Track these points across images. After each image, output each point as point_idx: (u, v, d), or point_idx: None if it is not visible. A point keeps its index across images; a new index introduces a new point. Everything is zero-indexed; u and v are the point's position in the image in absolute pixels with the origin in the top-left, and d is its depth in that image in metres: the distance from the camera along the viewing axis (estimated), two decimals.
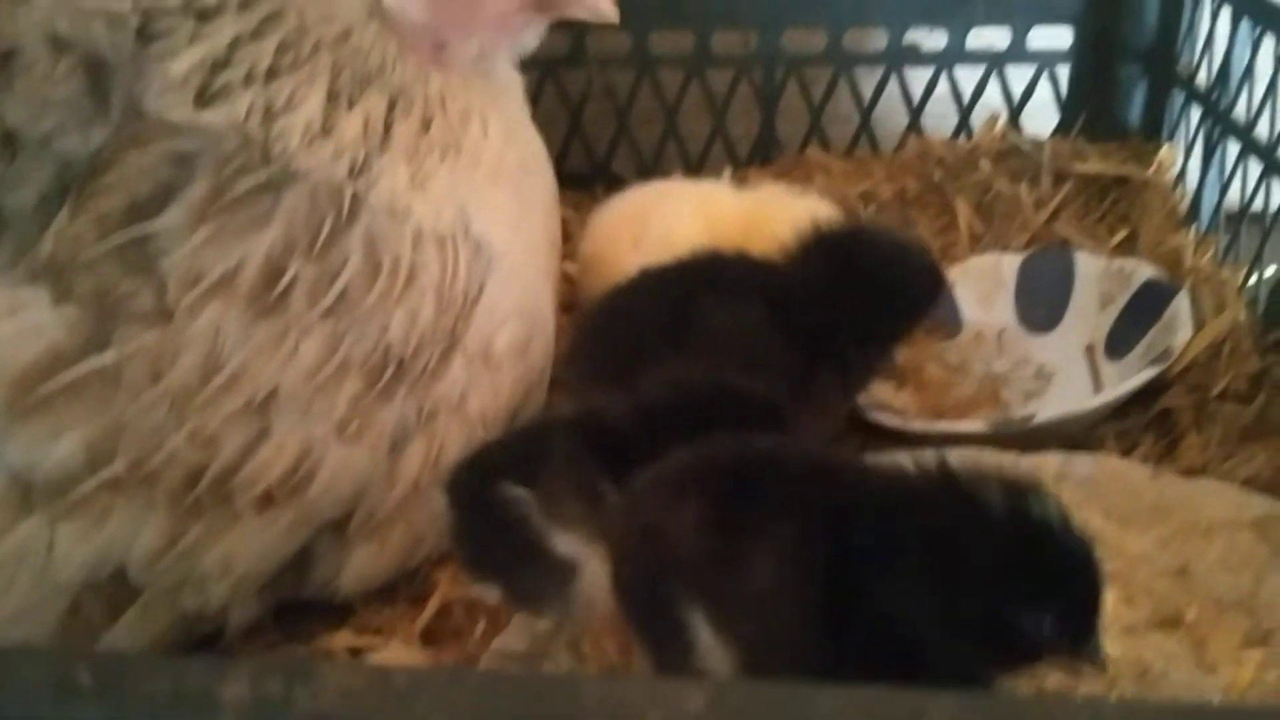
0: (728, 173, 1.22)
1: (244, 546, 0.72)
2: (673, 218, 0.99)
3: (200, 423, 0.69)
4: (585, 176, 1.24)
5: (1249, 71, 0.98)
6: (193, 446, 0.69)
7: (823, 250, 0.85)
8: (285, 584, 0.77)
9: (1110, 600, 0.69)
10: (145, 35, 0.74)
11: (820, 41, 1.21)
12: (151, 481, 0.68)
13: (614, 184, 1.23)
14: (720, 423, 0.70)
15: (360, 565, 0.79)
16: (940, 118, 1.23)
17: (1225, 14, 1.01)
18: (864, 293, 0.82)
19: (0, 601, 0.67)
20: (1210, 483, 0.76)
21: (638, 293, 0.87)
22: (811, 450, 0.67)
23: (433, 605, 0.80)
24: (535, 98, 1.04)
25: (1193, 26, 1.08)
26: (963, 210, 1.16)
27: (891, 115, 1.24)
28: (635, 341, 0.82)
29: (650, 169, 1.24)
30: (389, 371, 0.76)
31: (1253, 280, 0.96)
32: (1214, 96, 1.04)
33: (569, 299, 1.04)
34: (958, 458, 0.78)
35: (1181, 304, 0.92)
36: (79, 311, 0.67)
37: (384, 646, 0.78)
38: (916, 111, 1.23)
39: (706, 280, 0.86)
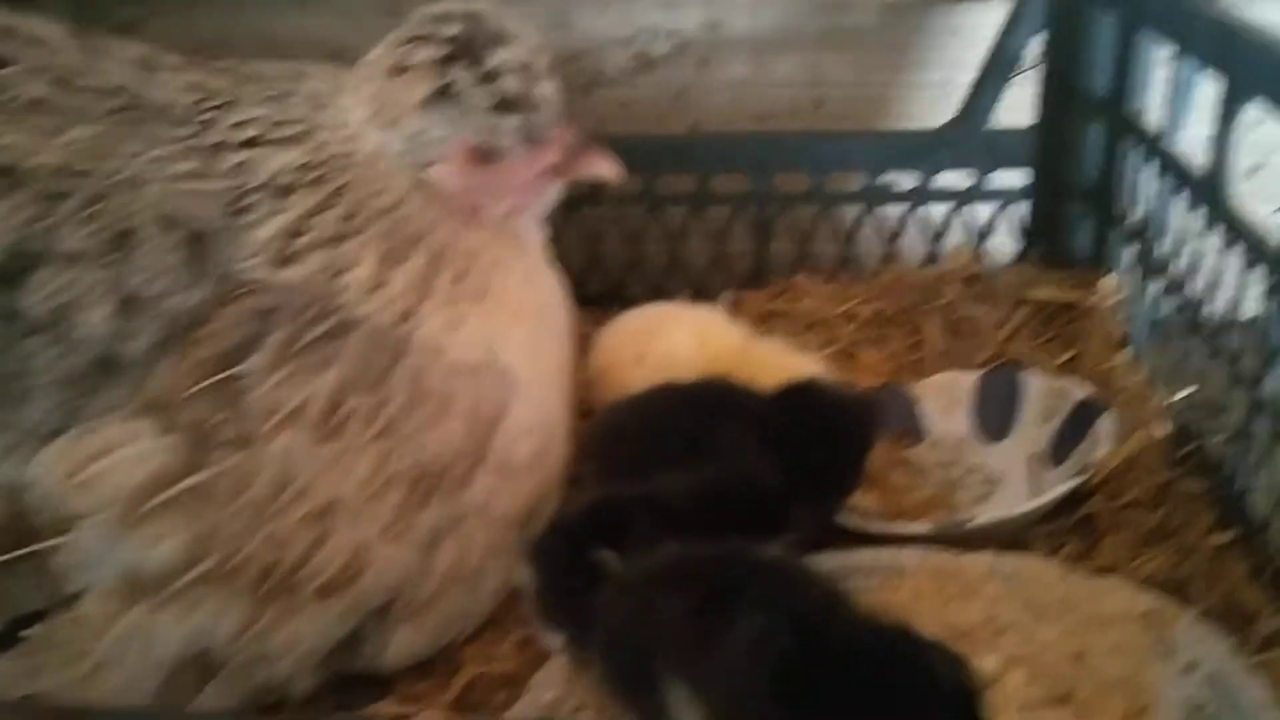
0: (728, 294, 1.36)
1: (306, 629, 0.86)
2: (672, 340, 1.14)
3: (274, 528, 0.83)
4: (603, 297, 1.36)
5: (1165, 220, 1.11)
6: (267, 548, 0.83)
7: (788, 407, 1.00)
8: (339, 659, 0.90)
9: (1016, 680, 0.83)
10: (236, 209, 0.89)
11: (806, 183, 1.34)
12: (233, 577, 0.82)
13: (628, 304, 1.35)
14: (745, 508, 0.86)
15: (401, 644, 0.92)
16: (913, 247, 1.36)
17: (1152, 169, 1.15)
18: (813, 452, 0.97)
19: (111, 674, 0.81)
20: (1110, 581, 0.88)
21: (659, 405, 1.03)
22: (775, 557, 0.81)
23: (462, 678, 0.94)
24: (560, 230, 1.15)
25: (1124, 176, 1.21)
26: (931, 330, 1.29)
27: (870, 245, 1.37)
28: (656, 446, 0.97)
29: (659, 291, 1.37)
30: (426, 483, 0.90)
31: (1169, 401, 1.08)
32: (1142, 236, 1.17)
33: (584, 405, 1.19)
34: (908, 554, 0.94)
35: (1106, 422, 1.05)
36: (179, 440, 0.82)
37: (421, 713, 0.92)
38: (891, 243, 1.36)
39: (719, 403, 1.02)
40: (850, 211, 1.35)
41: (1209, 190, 0.98)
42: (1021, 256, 1.33)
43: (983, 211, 1.34)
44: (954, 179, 1.33)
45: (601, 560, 0.79)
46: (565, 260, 1.27)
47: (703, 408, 1.01)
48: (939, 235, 1.35)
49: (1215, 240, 0.98)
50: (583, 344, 1.21)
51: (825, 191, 1.34)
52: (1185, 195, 1.05)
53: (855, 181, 1.34)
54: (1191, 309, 1.03)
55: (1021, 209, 1.33)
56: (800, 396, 1.00)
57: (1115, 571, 0.93)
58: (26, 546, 0.79)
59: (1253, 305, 0.92)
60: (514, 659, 0.95)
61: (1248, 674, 0.77)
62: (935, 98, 1.46)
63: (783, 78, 1.48)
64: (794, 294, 1.36)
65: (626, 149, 1.31)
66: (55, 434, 0.80)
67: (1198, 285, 1.02)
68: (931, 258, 1.36)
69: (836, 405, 1.00)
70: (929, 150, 1.32)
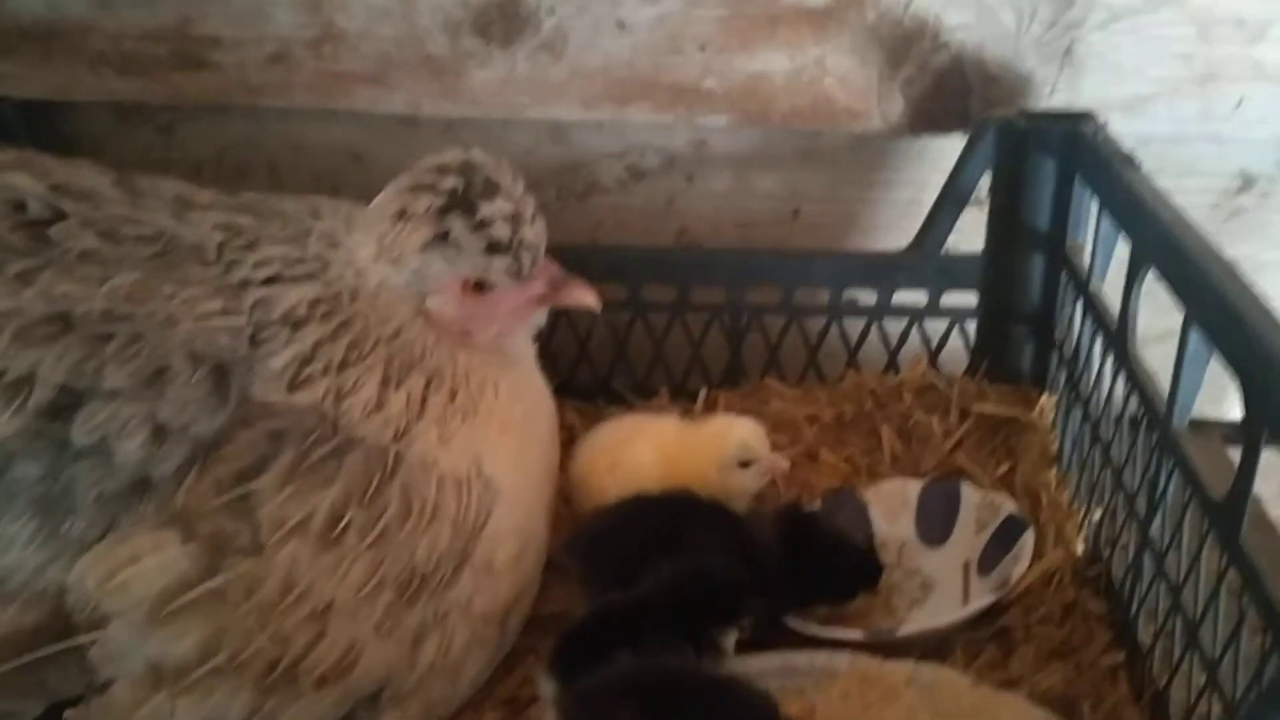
0: (702, 394, 1.47)
1: (305, 715, 0.97)
2: (637, 452, 1.26)
3: (278, 627, 0.95)
4: (589, 390, 1.48)
5: (1088, 355, 1.22)
6: (273, 644, 0.95)
7: (783, 529, 1.14)
8: None
9: None
10: (255, 341, 1.01)
11: (776, 296, 1.45)
12: (243, 669, 0.93)
13: (613, 397, 1.50)
14: (708, 597, 0.99)
15: None
16: (873, 357, 1.47)
17: (1080, 305, 1.26)
18: (808, 575, 1.11)
19: None
20: (1011, 696, 0.98)
21: (634, 512, 1.15)
22: (712, 672, 0.93)
23: None
24: (552, 327, 1.26)
25: (1061, 306, 1.33)
26: (887, 435, 1.40)
27: (834, 354, 1.47)
28: (633, 548, 1.09)
29: (642, 387, 1.50)
30: (414, 585, 1.01)
31: (1085, 521, 1.19)
32: (1071, 364, 1.28)
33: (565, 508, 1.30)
34: (841, 658, 1.05)
35: (1028, 539, 1.15)
36: (199, 548, 0.93)
37: None
38: (853, 353, 1.46)
39: (686, 507, 1.15)
40: (816, 323, 1.47)
41: (1119, 340, 1.09)
42: (970, 371, 1.44)
43: (936, 328, 1.45)
44: (911, 297, 1.44)
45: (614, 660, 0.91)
46: (556, 355, 1.40)
47: (671, 512, 1.15)
48: (896, 348, 1.46)
49: (1120, 387, 1.10)
50: (567, 434, 1.33)
51: (794, 304, 1.45)
52: (1101, 338, 1.16)
53: (821, 296, 1.45)
54: (1102, 444, 1.14)
55: (971, 327, 1.44)
56: (804, 529, 1.15)
57: (1021, 683, 1.03)
58: (67, 641, 0.90)
59: (1144, 452, 1.03)
60: None
61: None
62: (901, 213, 1.58)
63: (763, 191, 1.60)
64: (764, 395, 1.47)
65: (615, 259, 1.46)
66: (93, 543, 0.92)
67: (1109, 424, 1.13)
68: (890, 367, 1.47)
69: (839, 549, 1.15)
70: (888, 271, 1.43)
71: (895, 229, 1.59)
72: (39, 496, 0.91)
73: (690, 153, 1.58)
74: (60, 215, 1.00)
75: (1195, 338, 0.91)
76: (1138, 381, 1.04)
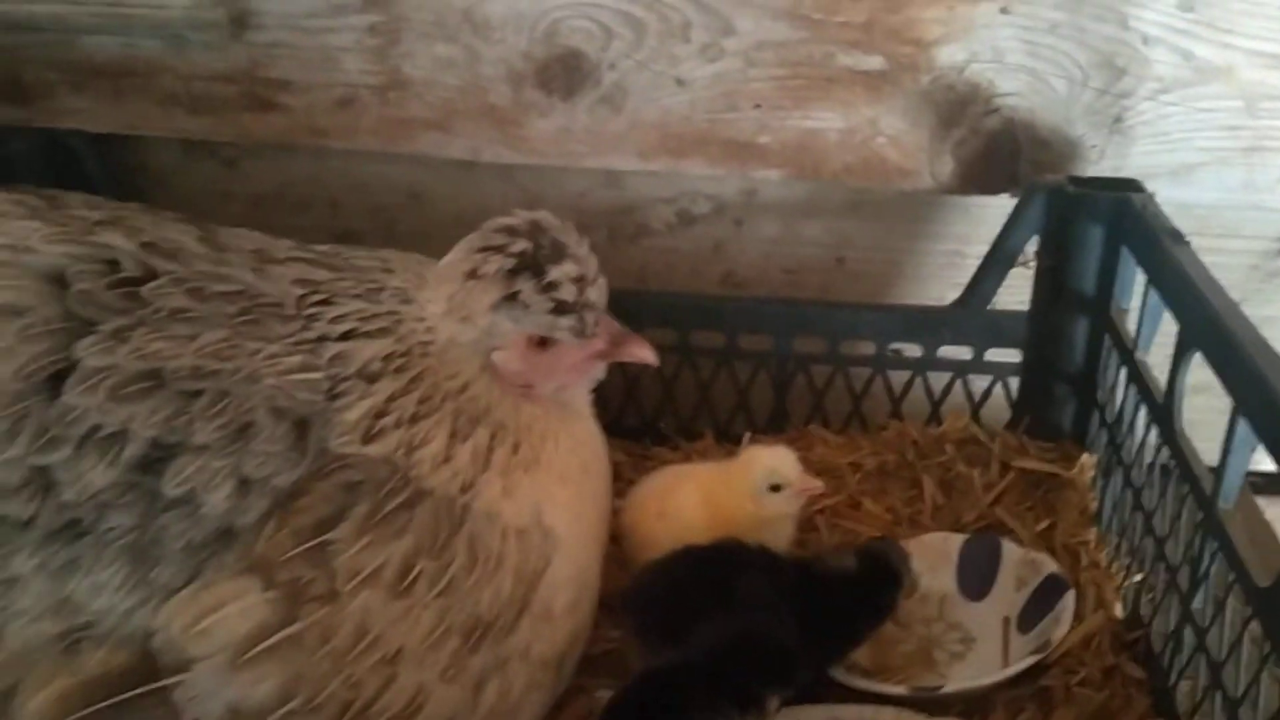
0: (746, 438, 1.50)
1: None
2: (682, 498, 1.30)
3: (351, 672, 0.98)
4: (637, 431, 1.52)
5: (1131, 421, 1.25)
6: (345, 688, 0.98)
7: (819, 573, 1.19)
8: None
9: None
10: (331, 394, 1.05)
11: (823, 347, 1.48)
12: (316, 713, 0.97)
13: (659, 438, 1.54)
14: (762, 659, 1.04)
15: None
16: (916, 408, 1.51)
17: (1125, 372, 1.29)
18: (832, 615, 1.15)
19: None
20: None
21: (682, 566, 1.19)
22: None
23: None
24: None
25: (1105, 368, 1.36)
26: (928, 485, 1.43)
27: (878, 404, 1.51)
28: (682, 603, 1.13)
29: (688, 430, 1.54)
30: (478, 632, 1.05)
31: (1126, 584, 1.23)
32: (1113, 428, 1.32)
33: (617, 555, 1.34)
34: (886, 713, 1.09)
35: (1068, 601, 1.18)
36: (277, 596, 0.97)
37: None
38: (897, 403, 1.50)
39: (734, 559, 1.19)
40: (862, 372, 1.50)
41: (1164, 416, 1.13)
42: (1012, 425, 1.47)
43: (979, 382, 1.48)
44: (955, 352, 1.48)
45: None
46: (605, 396, 1.43)
47: (719, 563, 1.18)
48: (940, 400, 1.50)
49: (1164, 460, 1.13)
50: (613, 473, 1.37)
51: (840, 354, 1.49)
52: (1145, 410, 1.20)
53: (867, 347, 1.49)
54: (1144, 513, 1.17)
55: (1014, 383, 1.48)
56: (830, 565, 1.19)
57: None
58: (154, 683, 0.94)
59: (1188, 528, 1.07)
60: None
61: None
62: (944, 265, 1.62)
63: (809, 238, 1.64)
64: (807, 442, 1.50)
65: (666, 305, 1.50)
66: (179, 590, 0.96)
67: (1151, 495, 1.16)
68: (932, 419, 1.51)
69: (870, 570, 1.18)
70: (934, 326, 1.47)
71: (938, 279, 1.63)
72: (130, 545, 0.95)
73: (740, 200, 1.62)
74: (152, 274, 1.04)
75: (1243, 427, 0.94)
76: (1183, 459, 1.08)
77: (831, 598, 1.16)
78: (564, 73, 1.44)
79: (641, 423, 1.54)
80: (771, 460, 1.29)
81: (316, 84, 1.49)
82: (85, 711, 0.93)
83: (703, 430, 1.54)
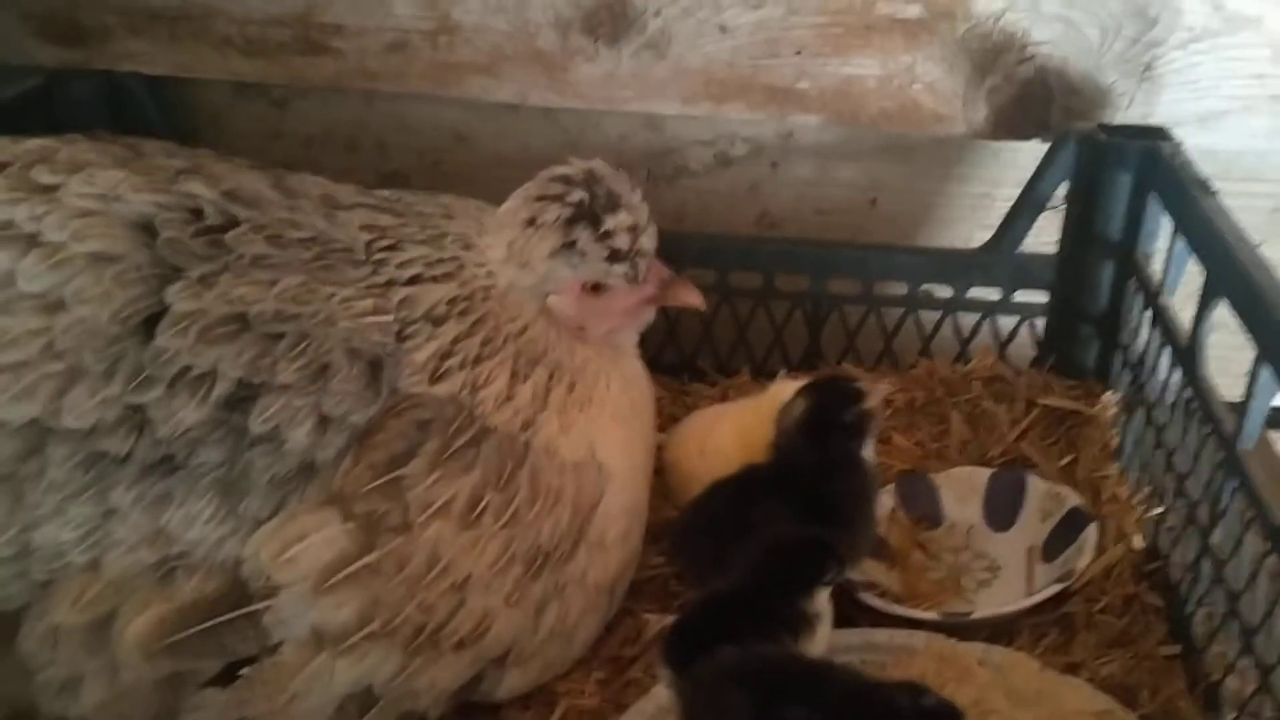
0: (783, 374, 1.57)
1: (444, 674, 1.08)
2: (719, 436, 1.35)
3: (424, 597, 1.05)
4: (675, 367, 1.58)
5: (1154, 362, 1.30)
6: (418, 612, 1.05)
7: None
8: (463, 693, 1.12)
9: None
10: (401, 336, 1.10)
11: (856, 288, 1.53)
12: (393, 634, 1.04)
13: (696, 374, 1.59)
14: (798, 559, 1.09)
15: (511, 683, 1.14)
16: (945, 347, 1.56)
17: (1149, 315, 1.34)
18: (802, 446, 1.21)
19: (300, 704, 1.02)
20: (1076, 680, 1.08)
21: (715, 501, 1.24)
22: (811, 660, 1.04)
23: (557, 710, 1.16)
24: None
25: (1129, 310, 1.40)
26: (956, 421, 1.48)
27: (908, 343, 1.56)
28: (721, 534, 1.18)
29: (724, 367, 1.59)
30: (539, 560, 1.12)
31: (1143, 518, 1.28)
32: (1136, 368, 1.36)
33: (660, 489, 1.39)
34: (918, 638, 1.15)
35: (1090, 533, 1.24)
36: (356, 527, 1.03)
37: None
38: (927, 342, 1.55)
39: (756, 485, 1.24)
40: (894, 313, 1.55)
41: (1188, 360, 1.18)
42: (1038, 364, 1.52)
43: (1006, 322, 1.53)
44: (984, 293, 1.52)
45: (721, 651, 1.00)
46: (647, 334, 1.48)
47: (742, 491, 1.23)
48: (968, 339, 1.55)
49: (1186, 399, 1.18)
50: (657, 406, 1.42)
51: (873, 295, 1.54)
52: (1169, 352, 1.24)
53: (900, 288, 1.53)
54: (1165, 450, 1.23)
55: (1040, 323, 1.52)
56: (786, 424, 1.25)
57: (1082, 668, 1.13)
58: (244, 608, 1.00)
59: (1208, 466, 1.12)
60: (598, 695, 1.17)
61: None
62: (973, 207, 1.66)
63: (843, 180, 1.67)
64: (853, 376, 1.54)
65: (706, 246, 1.55)
66: (265, 521, 1.02)
67: (1172, 433, 1.22)
68: (960, 358, 1.56)
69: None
70: (964, 268, 1.51)
71: (967, 221, 1.66)
72: (219, 479, 1.01)
73: (777, 142, 1.65)
74: (234, 221, 1.09)
75: (1265, 374, 0.99)
76: (1205, 402, 1.12)
77: (803, 448, 1.23)
78: (610, 19, 1.47)
79: (680, 360, 1.59)
80: (793, 390, 1.33)
81: (368, 29, 1.52)
82: (181, 635, 1.01)
83: (739, 367, 1.59)
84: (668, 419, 1.47)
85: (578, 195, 1.14)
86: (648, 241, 1.18)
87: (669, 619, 1.20)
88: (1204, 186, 1.23)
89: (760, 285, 1.55)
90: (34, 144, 1.15)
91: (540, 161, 1.48)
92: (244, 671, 1.02)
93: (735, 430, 1.36)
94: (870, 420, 1.24)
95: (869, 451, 1.25)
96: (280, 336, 1.05)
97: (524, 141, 1.66)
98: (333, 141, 1.71)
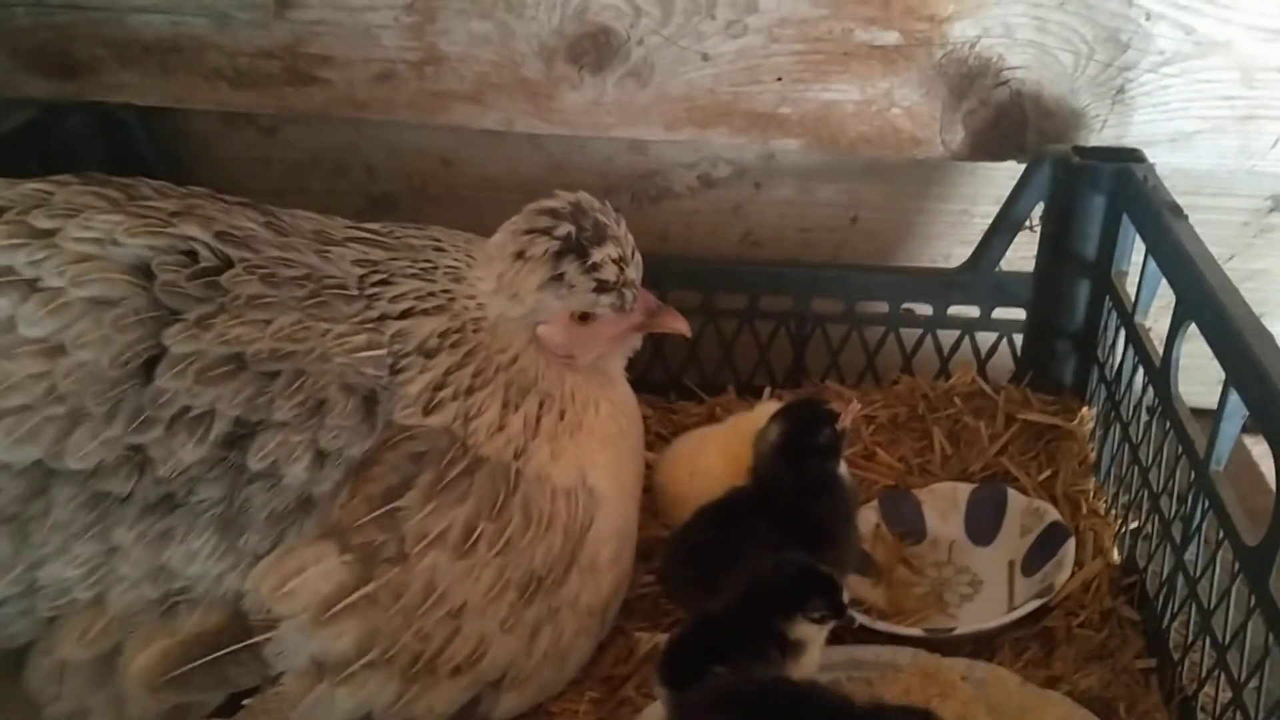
0: (766, 393, 1.59)
1: (441, 699, 1.11)
2: (708, 458, 1.37)
3: (420, 626, 1.07)
4: (662, 385, 1.60)
5: (1129, 380, 1.33)
6: (415, 640, 1.08)
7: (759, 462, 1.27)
8: (461, 717, 1.14)
9: None
10: (394, 370, 1.12)
11: (839, 307, 1.56)
12: (391, 662, 1.07)
13: (683, 393, 1.62)
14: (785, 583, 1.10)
15: (507, 705, 1.16)
16: (926, 364, 1.58)
17: (1123, 334, 1.37)
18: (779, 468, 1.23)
19: None
20: (1055, 694, 1.11)
21: (698, 527, 1.26)
22: (797, 683, 1.06)
23: None
24: None
25: (1105, 328, 1.44)
26: (937, 436, 1.51)
27: (890, 360, 1.59)
28: (709, 560, 1.20)
29: (711, 386, 1.61)
30: (532, 586, 1.14)
31: (1122, 532, 1.31)
32: (1112, 385, 1.39)
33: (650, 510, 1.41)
34: (903, 654, 1.17)
35: (1069, 548, 1.27)
36: (353, 558, 1.05)
37: None
38: (908, 359, 1.58)
39: (741, 508, 1.25)
40: (875, 331, 1.58)
41: (1161, 381, 1.20)
42: (1016, 379, 1.55)
43: (985, 339, 1.56)
44: (963, 310, 1.55)
45: (714, 674, 1.03)
46: (634, 354, 1.51)
47: (726, 516, 1.25)
48: (948, 356, 1.58)
49: (1160, 420, 1.21)
50: (644, 425, 1.43)
51: (855, 314, 1.57)
52: (1142, 370, 1.27)
53: (881, 307, 1.56)
54: (1140, 465, 1.26)
55: (1018, 340, 1.55)
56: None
57: (1061, 681, 1.16)
58: (246, 640, 1.03)
59: (1181, 484, 1.15)
60: (591, 715, 1.20)
61: None
62: (951, 224, 1.69)
63: (824, 199, 1.70)
64: (824, 396, 1.57)
65: (691, 269, 1.57)
66: (264, 555, 1.04)
67: (1147, 450, 1.25)
68: (941, 374, 1.59)
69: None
70: (944, 287, 1.54)
71: (946, 238, 1.70)
72: (219, 515, 1.04)
73: (759, 164, 1.68)
74: (228, 262, 1.10)
75: (1234, 398, 1.02)
76: (1178, 423, 1.15)
77: (781, 472, 1.24)
78: (594, 48, 1.49)
79: (667, 379, 1.62)
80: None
81: (356, 59, 1.53)
82: (185, 668, 1.03)
83: (726, 385, 1.62)
84: (655, 438, 1.50)
85: (565, 229, 1.16)
86: (633, 272, 1.20)
87: (660, 637, 1.25)
88: (1175, 209, 1.26)
89: (745, 306, 1.58)
90: (30, 187, 1.16)
91: (526, 184, 1.51)
92: (247, 702, 1.04)
93: (722, 452, 1.38)
94: (844, 439, 1.27)
95: (842, 468, 1.28)
96: (276, 375, 1.06)
97: (510, 165, 1.69)
98: (321, 167, 1.73)
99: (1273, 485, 0.95)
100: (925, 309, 1.56)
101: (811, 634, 1.10)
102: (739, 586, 1.14)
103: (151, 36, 1.56)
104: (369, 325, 1.14)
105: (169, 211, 1.15)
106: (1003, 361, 1.57)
